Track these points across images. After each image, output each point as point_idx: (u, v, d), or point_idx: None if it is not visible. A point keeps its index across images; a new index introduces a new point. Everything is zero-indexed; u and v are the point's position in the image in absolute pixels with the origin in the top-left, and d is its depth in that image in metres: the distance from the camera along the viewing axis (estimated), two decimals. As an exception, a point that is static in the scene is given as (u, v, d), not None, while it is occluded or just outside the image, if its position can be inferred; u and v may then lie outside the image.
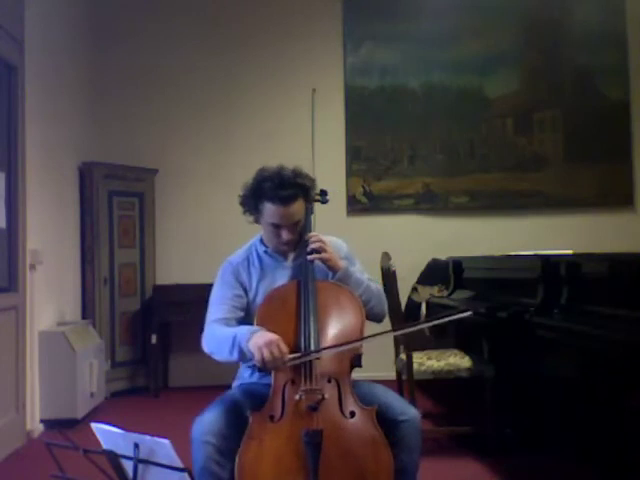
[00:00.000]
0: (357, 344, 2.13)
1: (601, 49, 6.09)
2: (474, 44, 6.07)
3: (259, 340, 2.02)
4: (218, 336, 2.19)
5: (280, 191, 2.22)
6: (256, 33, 6.01)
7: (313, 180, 2.36)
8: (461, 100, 6.09)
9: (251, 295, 2.32)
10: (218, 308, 2.29)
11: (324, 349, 2.09)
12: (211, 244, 5.66)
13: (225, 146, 5.98)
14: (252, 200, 2.28)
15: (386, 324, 2.57)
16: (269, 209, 2.24)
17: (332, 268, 2.29)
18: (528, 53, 6.14)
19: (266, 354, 1.99)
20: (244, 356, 2.09)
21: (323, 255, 2.27)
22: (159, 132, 5.94)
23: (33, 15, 4.41)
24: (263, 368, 2.04)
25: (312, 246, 2.27)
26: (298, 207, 2.27)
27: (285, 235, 2.27)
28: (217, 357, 2.20)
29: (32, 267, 4.31)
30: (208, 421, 2.01)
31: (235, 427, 2.00)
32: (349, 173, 6.01)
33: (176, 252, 5.88)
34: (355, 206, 5.98)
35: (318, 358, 2.07)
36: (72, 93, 5.32)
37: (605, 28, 6.10)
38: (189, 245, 5.89)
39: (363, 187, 6.03)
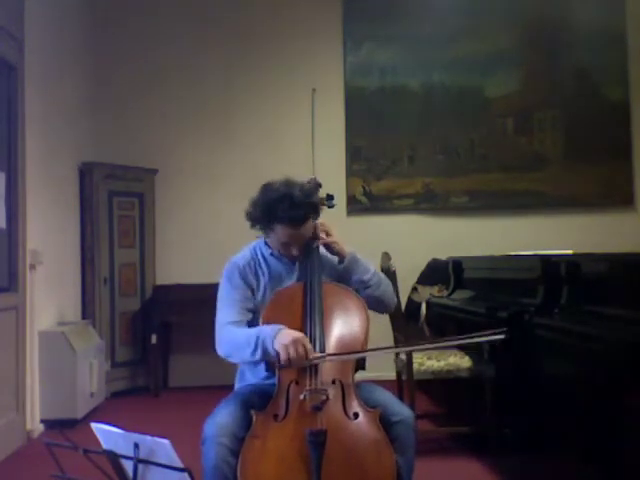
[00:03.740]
0: (378, 352, 2.14)
1: (601, 49, 6.09)
2: (474, 44, 6.07)
3: (285, 339, 2.03)
4: (237, 338, 2.18)
5: (291, 213, 2.20)
6: (256, 33, 6.02)
7: (319, 191, 2.36)
8: (461, 100, 6.09)
9: (259, 296, 2.32)
10: (230, 311, 2.27)
11: (346, 354, 2.10)
12: (211, 244, 5.65)
13: (225, 146, 5.98)
14: (263, 221, 2.27)
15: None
16: (280, 230, 2.24)
17: (339, 253, 2.31)
18: (528, 53, 6.14)
19: (292, 352, 2.00)
20: (268, 355, 2.09)
21: (328, 239, 2.30)
22: (159, 132, 5.94)
23: (33, 15, 4.41)
24: (287, 366, 2.03)
25: (319, 233, 2.30)
26: (309, 226, 2.28)
27: (295, 251, 2.28)
28: (235, 359, 2.21)
29: (32, 267, 4.31)
30: (221, 422, 2.01)
31: (247, 428, 2.00)
32: (349, 173, 6.02)
33: (176, 252, 5.88)
34: (355, 206, 5.98)
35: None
36: (72, 93, 5.32)
37: (605, 28, 6.10)
38: (189, 245, 5.89)
39: (363, 187, 6.03)
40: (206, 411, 2.14)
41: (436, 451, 3.71)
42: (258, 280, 2.33)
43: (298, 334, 2.05)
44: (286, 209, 2.19)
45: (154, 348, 5.47)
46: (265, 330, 2.12)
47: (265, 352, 2.08)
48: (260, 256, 2.37)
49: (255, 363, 2.26)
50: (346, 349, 2.15)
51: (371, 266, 2.36)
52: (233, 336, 2.20)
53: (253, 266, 2.35)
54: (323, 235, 2.31)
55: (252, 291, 2.31)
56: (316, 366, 2.06)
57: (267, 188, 2.28)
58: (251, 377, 2.32)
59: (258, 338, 2.10)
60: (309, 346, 2.04)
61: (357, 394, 2.07)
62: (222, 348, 2.22)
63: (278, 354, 2.03)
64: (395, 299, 2.47)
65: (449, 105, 6.08)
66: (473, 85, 6.11)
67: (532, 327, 3.15)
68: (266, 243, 2.39)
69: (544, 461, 3.43)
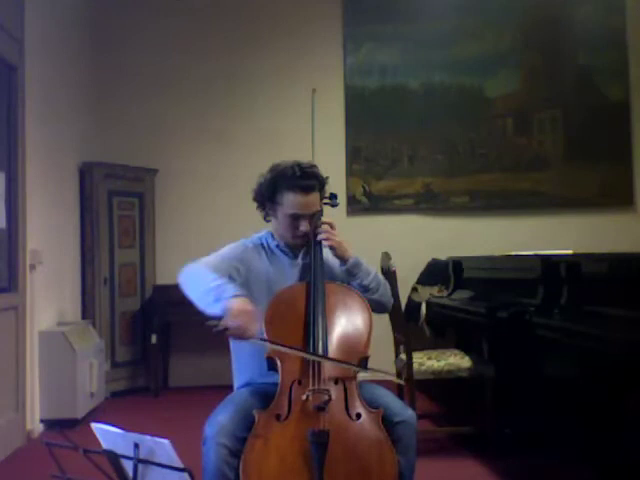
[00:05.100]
0: (346, 366, 2.10)
1: (601, 49, 6.09)
2: (474, 44, 6.07)
3: (243, 305, 1.98)
4: (204, 274, 2.13)
5: (301, 180, 2.26)
6: (256, 33, 6.02)
7: (326, 178, 2.39)
8: (461, 100, 6.09)
9: (251, 278, 2.29)
10: (216, 261, 2.25)
11: (325, 357, 2.09)
12: (211, 244, 5.59)
13: (225, 146, 5.98)
14: (270, 191, 2.29)
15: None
16: (289, 199, 2.26)
17: (341, 256, 2.29)
18: (528, 53, 6.14)
19: (239, 320, 1.94)
20: (213, 306, 2.01)
21: (335, 239, 2.28)
22: (159, 132, 5.93)
23: (33, 15, 4.41)
24: (222, 330, 1.95)
25: (323, 228, 2.29)
26: (316, 198, 2.31)
27: (303, 226, 2.28)
28: (188, 292, 2.13)
29: (32, 267, 4.31)
30: (222, 422, 2.00)
31: (247, 428, 1.99)
32: (349, 173, 6.01)
33: (176, 252, 5.87)
34: (355, 206, 5.98)
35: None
36: (72, 93, 5.32)
37: (605, 28, 6.09)
38: (189, 245, 5.87)
39: (363, 187, 6.03)
40: (206, 411, 2.14)
41: (436, 451, 3.71)
42: (259, 263, 2.33)
43: (253, 309, 2.00)
44: (295, 176, 2.25)
45: (154, 348, 5.47)
46: (229, 285, 2.07)
47: (216, 300, 2.01)
48: (266, 245, 2.39)
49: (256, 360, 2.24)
50: (348, 349, 2.15)
51: (371, 269, 2.35)
52: (201, 272, 2.15)
53: (260, 250, 2.36)
54: (325, 230, 2.28)
55: (244, 270, 2.29)
56: (319, 366, 2.05)
57: (276, 164, 2.34)
58: (258, 376, 2.27)
59: (222, 285, 2.05)
60: (256, 328, 1.99)
61: (359, 394, 2.07)
62: (185, 274, 2.17)
63: (223, 316, 1.97)
64: (392, 300, 2.47)
65: (449, 105, 6.08)
66: (473, 85, 6.10)
67: (532, 327, 3.15)
68: (272, 236, 2.39)
69: (544, 461, 3.43)
